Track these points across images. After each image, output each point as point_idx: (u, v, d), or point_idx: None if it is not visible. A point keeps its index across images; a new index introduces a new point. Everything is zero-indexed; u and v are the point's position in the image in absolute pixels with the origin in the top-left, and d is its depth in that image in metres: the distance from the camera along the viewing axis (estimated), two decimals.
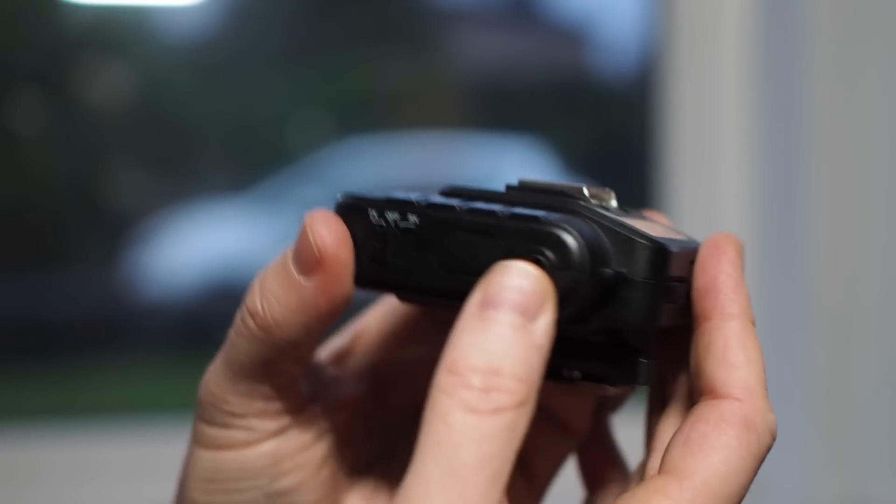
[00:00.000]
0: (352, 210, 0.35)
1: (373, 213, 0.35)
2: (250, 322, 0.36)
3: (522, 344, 0.30)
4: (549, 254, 0.31)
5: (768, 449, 0.32)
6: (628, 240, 0.32)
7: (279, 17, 1.21)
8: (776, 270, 1.05)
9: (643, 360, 0.33)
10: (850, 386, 1.00)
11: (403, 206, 0.34)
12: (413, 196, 0.35)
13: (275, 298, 0.35)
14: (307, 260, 0.35)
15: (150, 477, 1.04)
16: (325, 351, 0.41)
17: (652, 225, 0.35)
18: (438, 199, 0.34)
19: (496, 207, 0.33)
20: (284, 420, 0.38)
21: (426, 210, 0.34)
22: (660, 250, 0.32)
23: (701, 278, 0.34)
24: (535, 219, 0.32)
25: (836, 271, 1.00)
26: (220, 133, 1.19)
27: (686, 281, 0.34)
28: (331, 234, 0.35)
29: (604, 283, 0.31)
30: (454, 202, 0.34)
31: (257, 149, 1.19)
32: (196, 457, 0.38)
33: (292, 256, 0.35)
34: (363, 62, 1.21)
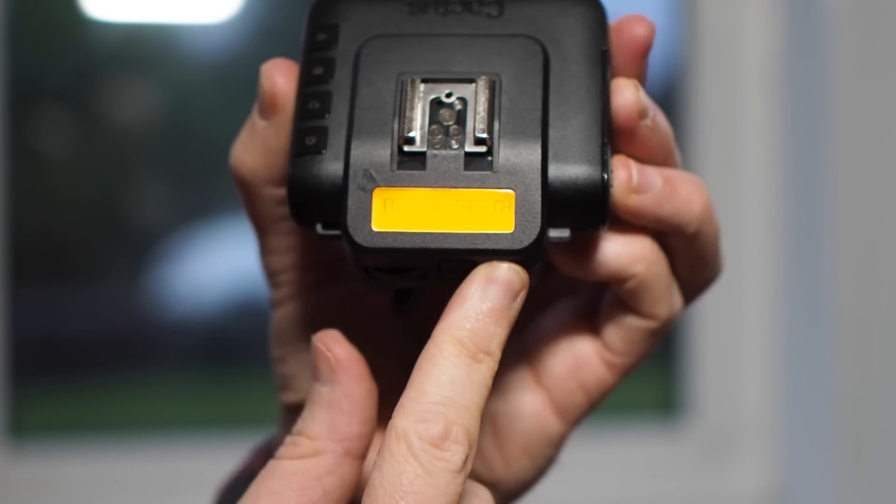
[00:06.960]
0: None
1: None
2: (234, 177, 0.37)
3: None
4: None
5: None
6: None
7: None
8: (800, 284, 1.05)
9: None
10: (875, 399, 0.99)
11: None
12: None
13: (245, 149, 0.37)
14: (264, 103, 0.36)
15: (173, 493, 1.05)
16: None
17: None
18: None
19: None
20: (322, 272, 0.39)
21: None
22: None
23: None
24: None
25: (859, 283, 0.99)
26: None
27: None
28: (285, 77, 0.35)
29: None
30: None
31: None
32: (270, 319, 0.40)
33: (256, 106, 0.36)
34: None
